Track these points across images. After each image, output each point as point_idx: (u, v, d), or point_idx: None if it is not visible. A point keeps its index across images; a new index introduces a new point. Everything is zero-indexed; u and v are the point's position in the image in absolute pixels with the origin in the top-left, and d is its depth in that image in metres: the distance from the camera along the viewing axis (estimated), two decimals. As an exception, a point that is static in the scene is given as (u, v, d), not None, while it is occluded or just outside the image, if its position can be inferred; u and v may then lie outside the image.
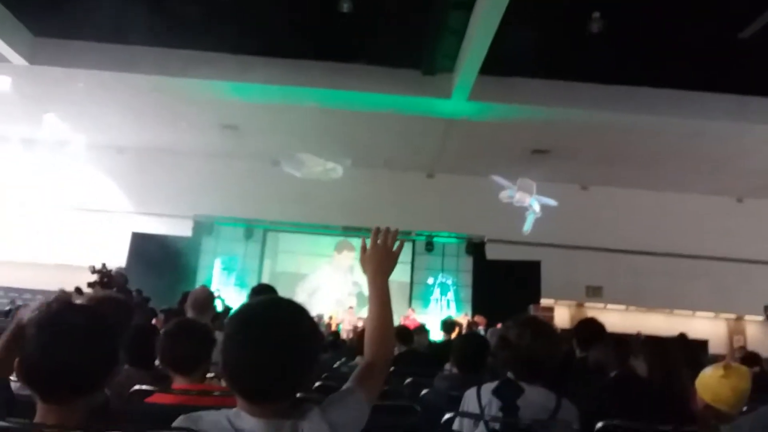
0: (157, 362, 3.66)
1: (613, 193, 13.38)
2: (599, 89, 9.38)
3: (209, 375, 2.97)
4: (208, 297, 4.38)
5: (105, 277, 6.20)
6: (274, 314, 1.52)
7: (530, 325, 2.49)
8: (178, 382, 2.60)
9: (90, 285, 6.25)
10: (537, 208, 11.45)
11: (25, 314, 1.69)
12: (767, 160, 11.33)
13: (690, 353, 3.71)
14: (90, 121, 11.75)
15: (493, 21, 7.19)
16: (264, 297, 1.65)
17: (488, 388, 2.47)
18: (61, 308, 1.60)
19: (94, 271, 6.32)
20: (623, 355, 3.21)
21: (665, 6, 7.45)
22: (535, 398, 2.37)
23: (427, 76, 9.60)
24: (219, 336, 2.75)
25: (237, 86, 9.75)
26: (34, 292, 12.33)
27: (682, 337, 4.05)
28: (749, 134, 10.07)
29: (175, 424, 1.44)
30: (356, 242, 14.09)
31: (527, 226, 11.69)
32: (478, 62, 8.32)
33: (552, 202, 11.46)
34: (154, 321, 6.45)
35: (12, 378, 1.71)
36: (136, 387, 2.41)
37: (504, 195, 11.47)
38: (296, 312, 1.54)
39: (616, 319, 12.67)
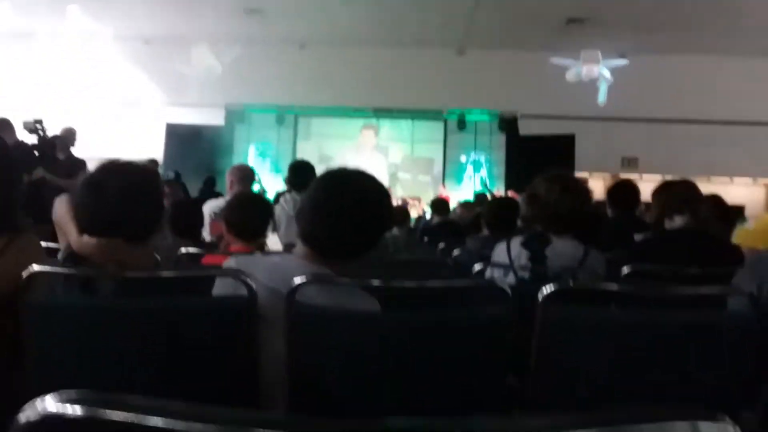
0: (204, 235, 3.86)
1: (651, 61, 12.82)
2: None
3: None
4: (252, 171, 4.56)
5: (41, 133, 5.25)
6: (362, 184, 1.60)
7: (558, 180, 2.53)
8: (234, 247, 2.77)
9: None
10: (608, 74, 11.07)
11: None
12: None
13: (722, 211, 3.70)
14: (114, 11, 11.58)
15: None
16: (346, 168, 1.72)
17: (517, 240, 2.55)
18: (102, 170, 1.75)
19: (30, 129, 5.27)
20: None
21: None
22: (562, 248, 2.45)
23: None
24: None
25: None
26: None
27: (715, 198, 4.00)
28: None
29: (225, 263, 1.58)
30: (381, 122, 14.17)
31: (602, 97, 11.33)
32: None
33: (623, 62, 10.98)
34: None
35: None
36: (183, 250, 2.56)
37: (571, 74, 11.13)
38: (378, 185, 1.64)
39: (652, 188, 12.54)
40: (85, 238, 1.65)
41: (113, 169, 1.82)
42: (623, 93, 12.74)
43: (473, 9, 11.11)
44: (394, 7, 11.26)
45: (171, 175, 9.29)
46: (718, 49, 12.45)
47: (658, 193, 2.94)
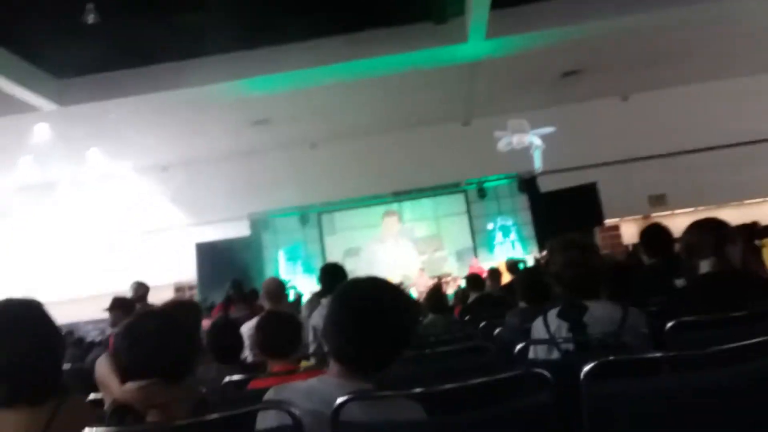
0: (243, 355, 3.88)
1: (655, 96, 12.91)
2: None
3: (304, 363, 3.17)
4: (279, 286, 4.57)
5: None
6: (377, 295, 1.66)
7: (570, 246, 2.53)
8: (275, 366, 2.83)
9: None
10: (538, 141, 11.22)
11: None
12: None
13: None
14: (130, 147, 12.12)
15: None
16: (362, 279, 1.77)
17: (553, 313, 2.52)
18: (136, 317, 1.86)
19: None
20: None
21: None
22: (601, 313, 2.40)
23: (440, 25, 9.46)
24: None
25: (258, 80, 9.84)
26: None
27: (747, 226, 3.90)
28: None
29: (265, 396, 1.62)
30: (403, 204, 14.26)
31: (537, 163, 11.46)
32: (487, -1, 8.14)
33: (549, 129, 11.17)
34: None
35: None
36: (227, 379, 2.62)
37: (502, 144, 11.30)
38: (395, 293, 1.69)
39: (686, 222, 12.29)
40: (127, 385, 1.71)
41: (146, 313, 1.92)
42: (635, 132, 12.78)
43: (471, 80, 11.40)
44: (394, 94, 11.61)
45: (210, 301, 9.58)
46: (719, 72, 12.50)
47: (682, 239, 2.83)
